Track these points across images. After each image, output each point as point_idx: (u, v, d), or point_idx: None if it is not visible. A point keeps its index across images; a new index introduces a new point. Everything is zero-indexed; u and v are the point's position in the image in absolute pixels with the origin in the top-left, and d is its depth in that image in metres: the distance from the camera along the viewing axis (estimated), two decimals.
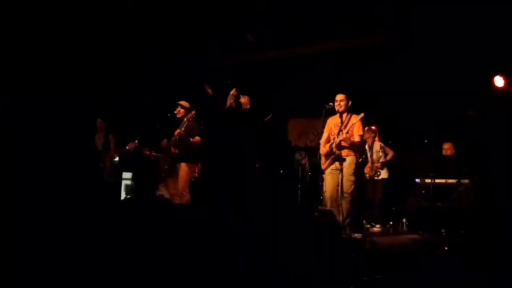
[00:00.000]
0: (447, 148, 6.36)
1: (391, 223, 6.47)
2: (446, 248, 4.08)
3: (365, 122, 5.21)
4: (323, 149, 5.11)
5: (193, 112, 5.54)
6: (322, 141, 5.19)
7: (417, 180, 6.07)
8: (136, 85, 7.41)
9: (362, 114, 4.89)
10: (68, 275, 1.85)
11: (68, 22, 5.95)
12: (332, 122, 5.17)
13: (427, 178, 5.38)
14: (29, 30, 5.64)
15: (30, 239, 1.81)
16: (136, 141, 6.46)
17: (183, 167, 5.51)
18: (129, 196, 6.34)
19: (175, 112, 5.68)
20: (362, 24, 6.39)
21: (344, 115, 5.07)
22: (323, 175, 5.16)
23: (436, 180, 5.26)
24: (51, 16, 5.74)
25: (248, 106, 5.65)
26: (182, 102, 5.71)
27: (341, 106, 5.06)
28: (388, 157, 6.63)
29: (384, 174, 6.63)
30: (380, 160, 6.61)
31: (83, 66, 6.57)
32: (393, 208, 6.66)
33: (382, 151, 6.65)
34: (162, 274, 1.84)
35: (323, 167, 5.13)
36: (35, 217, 1.91)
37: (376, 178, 6.60)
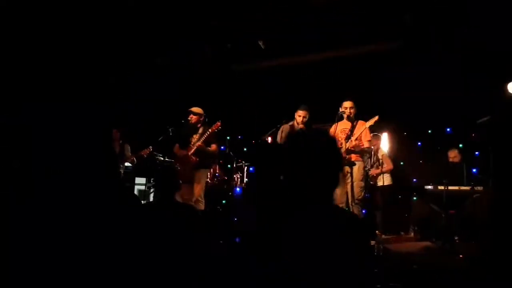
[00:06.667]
0: (453, 156, 6.24)
1: (402, 231, 6.40)
2: (461, 256, 4.05)
3: (376, 126, 5.21)
4: None
5: (218, 123, 5.60)
6: None
7: (429, 187, 6.00)
8: (149, 90, 7.43)
9: (376, 117, 4.90)
10: (87, 278, 1.87)
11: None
12: (339, 128, 5.17)
13: (440, 185, 5.34)
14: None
15: (51, 242, 1.84)
16: (150, 147, 6.53)
17: (202, 173, 5.59)
18: (147, 201, 6.42)
19: (188, 118, 5.73)
20: (373, 30, 6.39)
21: (352, 121, 5.11)
22: None
23: (449, 187, 5.22)
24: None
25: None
26: (194, 109, 5.75)
27: (350, 113, 5.10)
28: (384, 169, 6.37)
29: (387, 180, 6.45)
30: (378, 170, 6.40)
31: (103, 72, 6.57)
32: (406, 215, 6.60)
33: (382, 160, 6.42)
34: (183, 279, 1.86)
35: None
36: (54, 220, 1.94)
37: (378, 184, 6.43)
